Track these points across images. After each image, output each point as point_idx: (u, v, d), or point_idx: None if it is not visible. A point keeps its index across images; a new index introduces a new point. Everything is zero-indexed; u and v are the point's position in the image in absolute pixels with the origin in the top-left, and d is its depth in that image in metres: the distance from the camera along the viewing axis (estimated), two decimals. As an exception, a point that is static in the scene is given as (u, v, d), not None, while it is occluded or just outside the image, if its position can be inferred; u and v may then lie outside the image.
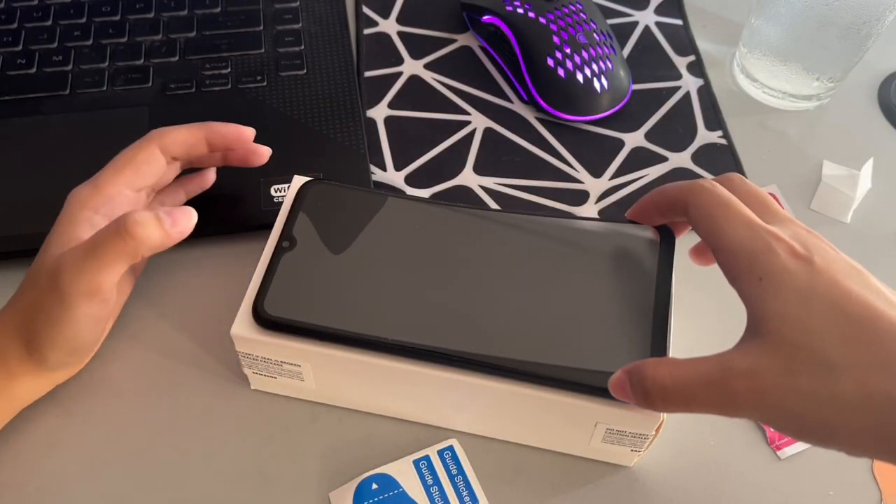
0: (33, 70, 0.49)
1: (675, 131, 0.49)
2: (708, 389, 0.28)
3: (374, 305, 0.34)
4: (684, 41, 0.54)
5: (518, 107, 0.50)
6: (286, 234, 0.36)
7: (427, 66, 0.52)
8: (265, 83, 0.49)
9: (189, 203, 0.43)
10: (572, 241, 0.36)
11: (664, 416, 0.32)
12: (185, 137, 0.38)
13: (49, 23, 0.52)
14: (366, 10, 0.55)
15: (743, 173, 0.47)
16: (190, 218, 0.34)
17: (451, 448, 0.37)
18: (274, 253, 0.36)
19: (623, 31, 0.54)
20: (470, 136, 0.49)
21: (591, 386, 0.32)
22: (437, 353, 0.33)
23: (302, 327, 0.34)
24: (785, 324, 0.27)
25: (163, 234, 0.33)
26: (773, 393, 0.27)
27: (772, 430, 0.38)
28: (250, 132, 0.40)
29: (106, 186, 0.36)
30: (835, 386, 0.26)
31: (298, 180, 0.39)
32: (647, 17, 0.56)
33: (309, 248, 0.36)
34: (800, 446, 0.38)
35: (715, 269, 0.31)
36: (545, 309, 0.34)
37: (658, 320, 0.34)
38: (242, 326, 0.34)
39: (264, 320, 0.34)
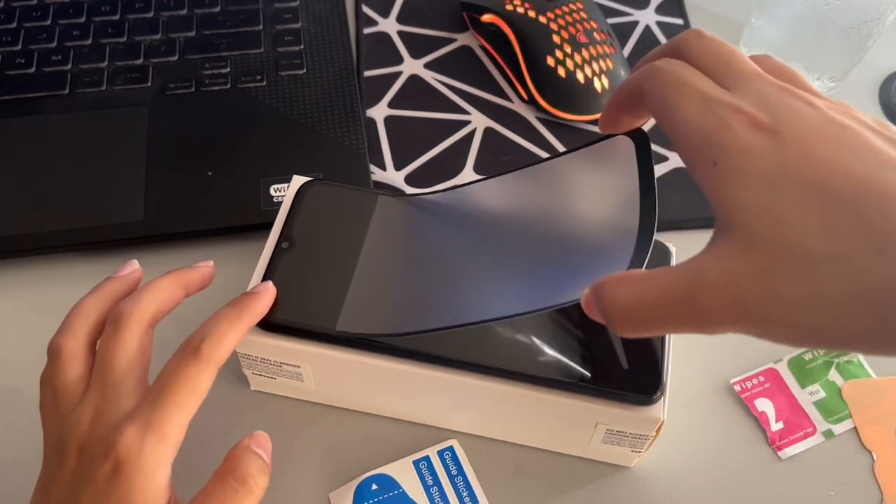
0: (32, 70, 0.49)
1: (675, 131, 0.49)
2: (677, 308, 0.24)
3: (375, 306, 0.34)
4: (685, 41, 0.54)
5: (518, 106, 0.50)
6: (285, 234, 0.36)
7: (427, 66, 0.52)
8: (265, 83, 0.49)
9: (187, 198, 0.43)
10: (554, 185, 0.34)
11: (664, 416, 0.32)
12: (237, 341, 0.31)
13: (48, 22, 0.51)
14: (366, 9, 0.55)
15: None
16: (268, 442, 0.30)
17: (451, 448, 0.37)
18: (274, 254, 0.36)
19: (623, 31, 0.54)
20: (470, 136, 0.49)
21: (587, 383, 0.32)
22: (438, 356, 0.33)
23: (302, 329, 0.33)
24: (751, 215, 0.22)
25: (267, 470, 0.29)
26: (753, 303, 0.22)
27: (772, 430, 0.38)
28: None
29: (174, 435, 0.28)
30: (822, 285, 0.21)
31: (298, 180, 0.39)
32: (647, 17, 0.55)
33: (308, 249, 0.36)
34: (800, 446, 0.38)
35: None
36: (532, 266, 0.33)
37: (642, 232, 0.29)
38: None
39: (264, 322, 0.34)
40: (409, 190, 0.46)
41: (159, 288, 0.32)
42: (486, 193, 0.36)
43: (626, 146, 0.31)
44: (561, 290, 0.30)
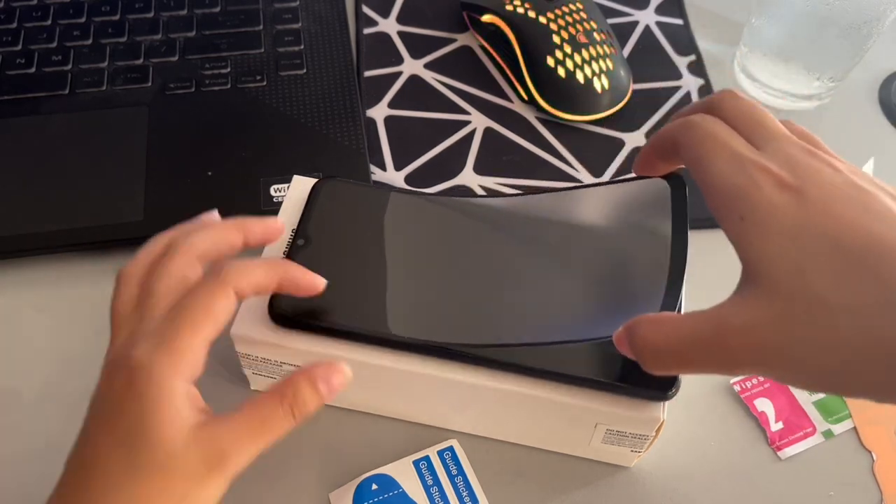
0: (33, 70, 0.49)
1: (675, 131, 0.49)
2: (703, 350, 0.25)
3: (391, 302, 0.34)
4: (685, 41, 0.54)
5: (518, 107, 0.50)
6: (301, 231, 0.36)
7: (427, 66, 0.52)
8: (265, 83, 0.49)
9: (187, 198, 0.43)
10: (584, 214, 0.35)
11: (664, 417, 0.32)
12: (259, 280, 0.30)
13: (48, 22, 0.51)
14: (366, 9, 0.55)
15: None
16: (343, 376, 0.29)
17: (451, 448, 0.37)
18: (290, 251, 0.35)
19: (623, 31, 0.54)
20: (470, 136, 0.49)
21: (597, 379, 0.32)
22: (457, 352, 0.33)
23: (319, 325, 0.33)
24: (775, 266, 0.24)
25: (320, 403, 0.29)
26: (774, 347, 0.24)
27: (772, 430, 0.38)
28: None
29: (187, 351, 0.28)
30: (836, 333, 0.23)
31: (298, 180, 0.39)
32: (647, 17, 0.55)
33: (324, 246, 0.36)
34: (800, 446, 0.38)
35: None
36: (562, 294, 0.33)
37: (673, 275, 0.31)
38: (243, 326, 0.34)
39: (281, 317, 0.34)
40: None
41: (218, 227, 0.32)
42: (516, 210, 0.36)
43: (662, 189, 0.33)
44: (593, 324, 0.32)
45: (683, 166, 0.30)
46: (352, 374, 0.29)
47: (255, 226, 0.32)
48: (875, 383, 0.23)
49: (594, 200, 0.35)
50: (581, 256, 0.34)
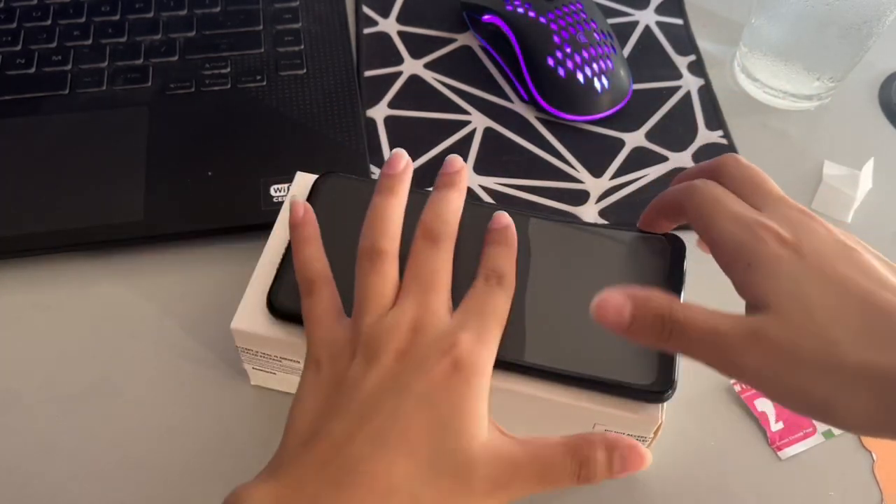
0: (33, 70, 0.49)
1: (675, 131, 0.49)
2: (719, 340, 0.27)
3: None
4: (685, 41, 0.54)
5: (518, 107, 0.50)
6: None
7: (427, 66, 0.52)
8: (265, 83, 0.49)
9: (187, 199, 0.43)
10: (582, 247, 0.36)
11: (662, 418, 0.32)
12: None
13: (48, 22, 0.51)
14: (366, 9, 0.55)
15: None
16: (643, 462, 0.29)
17: (450, 448, 0.37)
18: (290, 245, 0.35)
19: (623, 31, 0.54)
20: (470, 136, 0.49)
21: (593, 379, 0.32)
22: None
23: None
24: (782, 300, 0.27)
25: (607, 477, 0.29)
26: (777, 360, 0.26)
27: (772, 430, 0.38)
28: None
29: (495, 349, 0.30)
30: (835, 359, 0.25)
31: (301, 177, 0.39)
32: (647, 17, 0.55)
33: (326, 241, 0.35)
34: (800, 447, 0.38)
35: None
36: (553, 312, 0.34)
37: None
38: (242, 321, 0.34)
39: (281, 312, 0.34)
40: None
41: (456, 202, 0.34)
42: (517, 223, 0.36)
43: (664, 246, 0.36)
44: (584, 362, 0.32)
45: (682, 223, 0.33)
46: (651, 461, 0.29)
47: (460, 180, 0.34)
48: (866, 411, 0.25)
49: (595, 240, 0.36)
50: (575, 288, 0.35)
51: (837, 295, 0.26)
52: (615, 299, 0.28)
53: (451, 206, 0.34)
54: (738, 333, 0.27)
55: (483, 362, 0.29)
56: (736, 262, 0.29)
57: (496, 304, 0.31)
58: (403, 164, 0.35)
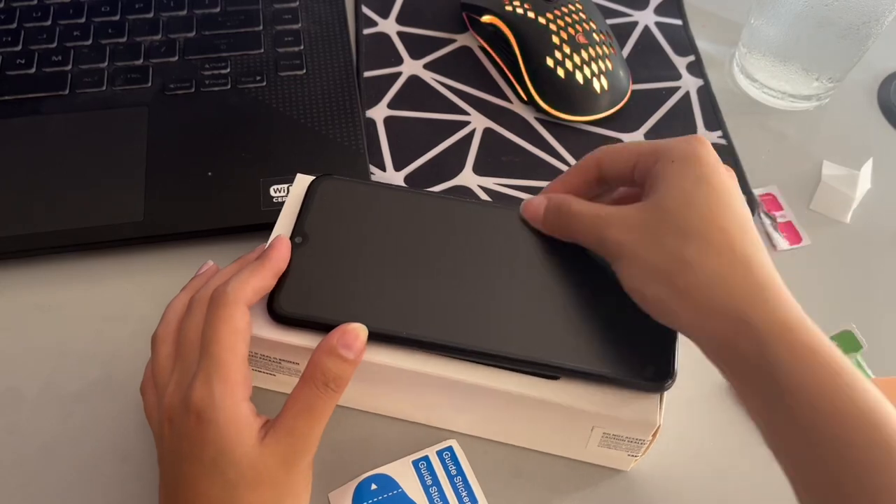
0: (33, 70, 0.49)
1: (674, 131, 0.49)
2: (591, 223, 0.33)
3: (389, 300, 0.34)
4: (684, 41, 0.54)
5: (518, 107, 0.50)
6: (299, 229, 0.36)
7: (426, 66, 0.52)
8: (264, 83, 0.49)
9: (187, 199, 0.44)
10: (580, 252, 0.36)
11: (661, 421, 0.32)
12: (257, 284, 0.33)
13: (48, 23, 0.51)
14: (365, 10, 0.55)
15: (743, 173, 0.47)
16: (359, 335, 0.32)
17: (450, 449, 0.37)
18: (290, 246, 0.35)
19: (623, 31, 0.54)
20: (469, 137, 0.49)
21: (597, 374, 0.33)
22: (457, 349, 0.33)
23: (318, 323, 0.33)
24: (670, 192, 0.31)
25: (352, 367, 0.32)
26: (634, 242, 0.31)
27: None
28: None
29: (236, 373, 0.31)
30: (684, 250, 0.30)
31: (301, 178, 0.39)
32: (646, 17, 0.56)
33: (322, 244, 0.36)
34: (799, 446, 0.38)
35: None
36: (555, 305, 0.34)
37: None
38: None
39: (280, 316, 0.34)
40: (409, 190, 0.46)
41: (251, 273, 0.33)
42: (512, 221, 0.36)
43: None
44: (578, 351, 0.33)
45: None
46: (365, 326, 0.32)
47: (277, 257, 0.34)
48: (667, 295, 0.30)
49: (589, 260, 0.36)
50: (575, 284, 0.35)
51: (721, 204, 0.31)
52: (536, 199, 0.36)
53: (219, 280, 0.34)
54: (611, 213, 0.32)
55: (219, 396, 0.30)
56: (666, 158, 0.33)
57: (218, 325, 0.31)
58: (204, 269, 0.37)
